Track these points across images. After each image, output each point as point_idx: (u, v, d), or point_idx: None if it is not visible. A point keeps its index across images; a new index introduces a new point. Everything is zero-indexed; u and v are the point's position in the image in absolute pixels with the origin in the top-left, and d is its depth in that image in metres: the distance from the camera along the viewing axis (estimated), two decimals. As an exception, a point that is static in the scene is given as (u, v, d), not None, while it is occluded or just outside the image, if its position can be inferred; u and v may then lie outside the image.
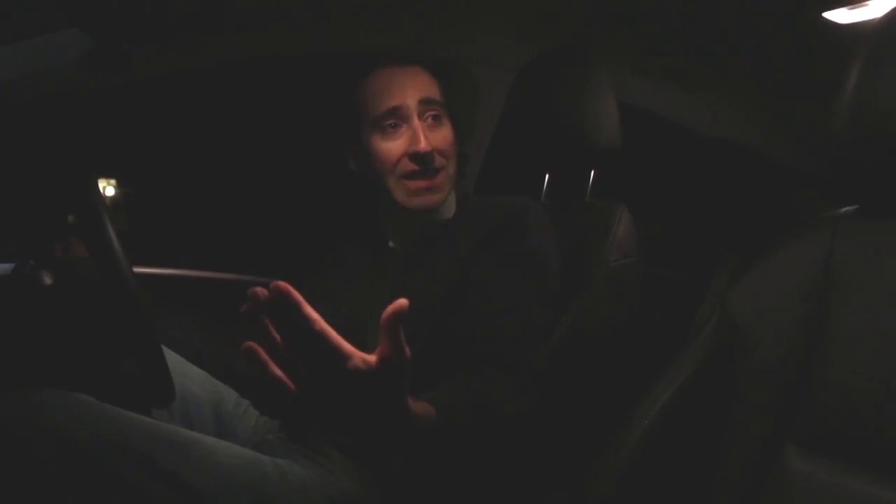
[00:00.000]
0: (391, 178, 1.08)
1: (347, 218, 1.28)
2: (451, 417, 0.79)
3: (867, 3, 1.26)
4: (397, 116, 1.07)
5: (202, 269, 1.67)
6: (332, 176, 1.34)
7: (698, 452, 0.79)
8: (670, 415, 0.80)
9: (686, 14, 1.44)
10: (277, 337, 0.58)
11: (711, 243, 2.32)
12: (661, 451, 0.80)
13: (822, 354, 0.73)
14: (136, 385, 0.96)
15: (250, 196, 2.16)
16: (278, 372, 0.58)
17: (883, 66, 0.71)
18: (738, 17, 1.43)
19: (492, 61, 1.70)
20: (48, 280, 1.03)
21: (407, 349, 0.59)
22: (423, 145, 1.05)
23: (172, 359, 1.14)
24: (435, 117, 1.09)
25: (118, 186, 1.78)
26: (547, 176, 1.43)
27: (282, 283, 0.54)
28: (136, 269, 0.93)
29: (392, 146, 1.07)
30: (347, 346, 0.58)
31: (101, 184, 1.71)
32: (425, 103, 1.08)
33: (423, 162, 1.06)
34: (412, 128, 1.07)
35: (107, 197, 1.75)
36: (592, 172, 1.33)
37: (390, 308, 0.56)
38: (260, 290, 0.55)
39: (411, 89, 1.08)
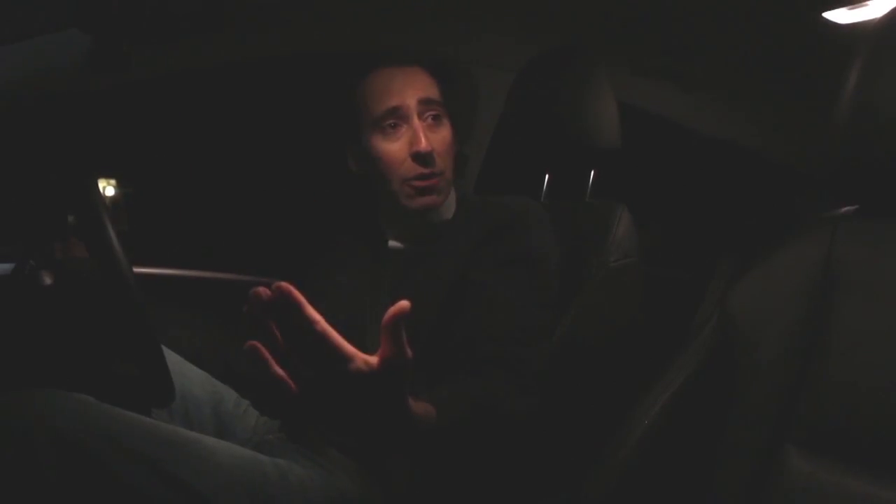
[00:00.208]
0: (395, 180, 1.08)
1: (347, 218, 1.28)
2: (452, 418, 0.79)
3: (867, 3, 1.26)
4: (397, 116, 1.07)
5: (202, 269, 1.67)
6: (331, 176, 1.34)
7: (698, 452, 0.79)
8: (670, 415, 0.80)
9: (686, 14, 1.44)
10: (279, 337, 0.58)
11: (711, 243, 2.32)
12: (661, 451, 0.80)
13: (822, 355, 0.73)
14: (136, 385, 0.96)
15: (250, 196, 2.15)
16: (280, 372, 0.58)
17: (883, 66, 0.71)
18: (738, 18, 1.43)
19: (492, 61, 1.70)
20: (48, 280, 1.03)
21: (408, 350, 0.59)
22: (423, 145, 1.05)
23: (172, 359, 1.14)
24: (435, 117, 1.10)
25: (118, 186, 1.77)
26: (547, 176, 1.43)
27: (283, 284, 0.54)
28: (136, 269, 0.93)
29: (394, 147, 1.07)
30: (349, 348, 0.58)
31: (101, 184, 1.71)
32: (425, 103, 1.08)
33: (425, 162, 1.06)
34: (412, 128, 1.07)
35: (107, 197, 1.74)
36: (592, 172, 1.33)
37: (392, 309, 0.56)
38: (262, 291, 0.55)
39: (411, 89, 1.08)
